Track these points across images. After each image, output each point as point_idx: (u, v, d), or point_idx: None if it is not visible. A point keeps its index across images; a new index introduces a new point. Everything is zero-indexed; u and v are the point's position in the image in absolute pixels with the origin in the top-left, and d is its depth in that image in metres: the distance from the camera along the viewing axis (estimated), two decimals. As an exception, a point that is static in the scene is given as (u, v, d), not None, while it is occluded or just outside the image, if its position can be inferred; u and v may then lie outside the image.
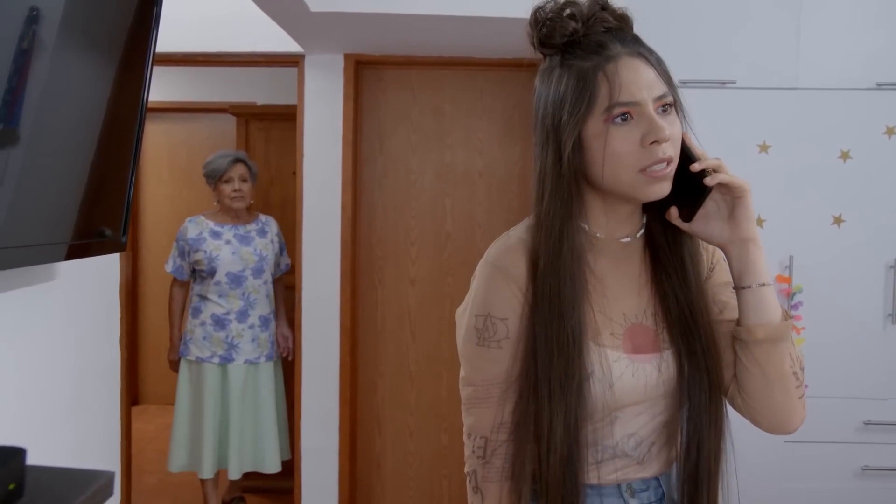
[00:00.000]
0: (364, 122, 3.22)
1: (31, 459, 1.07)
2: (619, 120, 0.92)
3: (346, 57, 3.08)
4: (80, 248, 1.35)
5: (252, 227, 3.12)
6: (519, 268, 0.99)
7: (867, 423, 2.37)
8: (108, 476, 1.09)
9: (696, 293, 1.03)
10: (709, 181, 0.95)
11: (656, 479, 1.06)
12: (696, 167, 0.96)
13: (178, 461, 3.02)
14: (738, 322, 1.00)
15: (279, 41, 2.94)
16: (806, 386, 1.03)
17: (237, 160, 3.09)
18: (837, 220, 2.37)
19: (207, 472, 2.96)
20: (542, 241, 0.97)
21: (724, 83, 2.36)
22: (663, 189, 0.94)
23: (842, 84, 2.36)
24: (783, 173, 2.37)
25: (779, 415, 1.01)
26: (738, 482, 1.08)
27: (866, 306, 2.38)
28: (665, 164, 0.93)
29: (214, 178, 3.07)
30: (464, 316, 1.04)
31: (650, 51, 0.97)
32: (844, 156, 2.36)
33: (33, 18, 1.07)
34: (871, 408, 2.38)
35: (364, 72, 3.18)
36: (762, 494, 2.37)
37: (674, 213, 1.00)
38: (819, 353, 2.36)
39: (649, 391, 1.01)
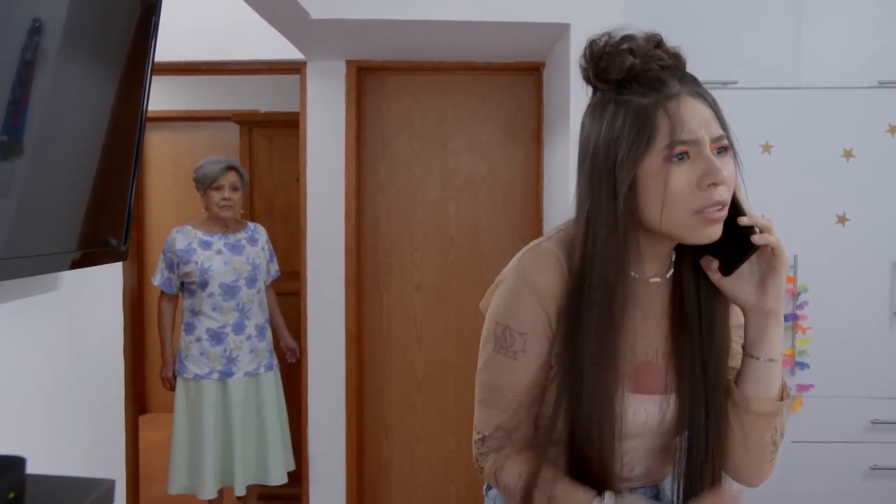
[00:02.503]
0: (367, 128, 3.22)
1: (35, 470, 1.07)
2: (677, 159, 0.90)
3: (348, 63, 3.09)
4: (85, 257, 1.35)
5: (242, 235, 3.01)
6: (550, 287, 0.97)
7: (875, 423, 2.36)
8: (109, 484, 1.08)
9: (717, 353, 1.00)
10: (757, 239, 0.92)
11: (655, 485, 1.11)
12: (744, 221, 0.93)
13: (178, 483, 2.92)
14: (737, 380, 0.99)
15: (281, 49, 2.95)
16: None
17: (229, 167, 2.98)
18: (841, 219, 2.37)
19: (209, 493, 2.86)
20: (594, 282, 0.94)
21: (725, 83, 2.36)
22: (715, 232, 0.91)
23: (844, 83, 2.36)
24: (786, 173, 2.37)
25: (745, 473, 1.02)
26: None
27: (872, 305, 2.37)
28: (720, 206, 0.90)
29: (205, 183, 2.95)
30: (487, 313, 1.05)
31: (707, 91, 0.95)
32: (847, 155, 2.36)
33: (36, 30, 1.08)
34: (878, 407, 2.37)
35: (366, 78, 3.19)
36: (770, 494, 2.36)
37: (714, 265, 0.97)
38: (825, 352, 2.35)
39: (648, 429, 1.01)
